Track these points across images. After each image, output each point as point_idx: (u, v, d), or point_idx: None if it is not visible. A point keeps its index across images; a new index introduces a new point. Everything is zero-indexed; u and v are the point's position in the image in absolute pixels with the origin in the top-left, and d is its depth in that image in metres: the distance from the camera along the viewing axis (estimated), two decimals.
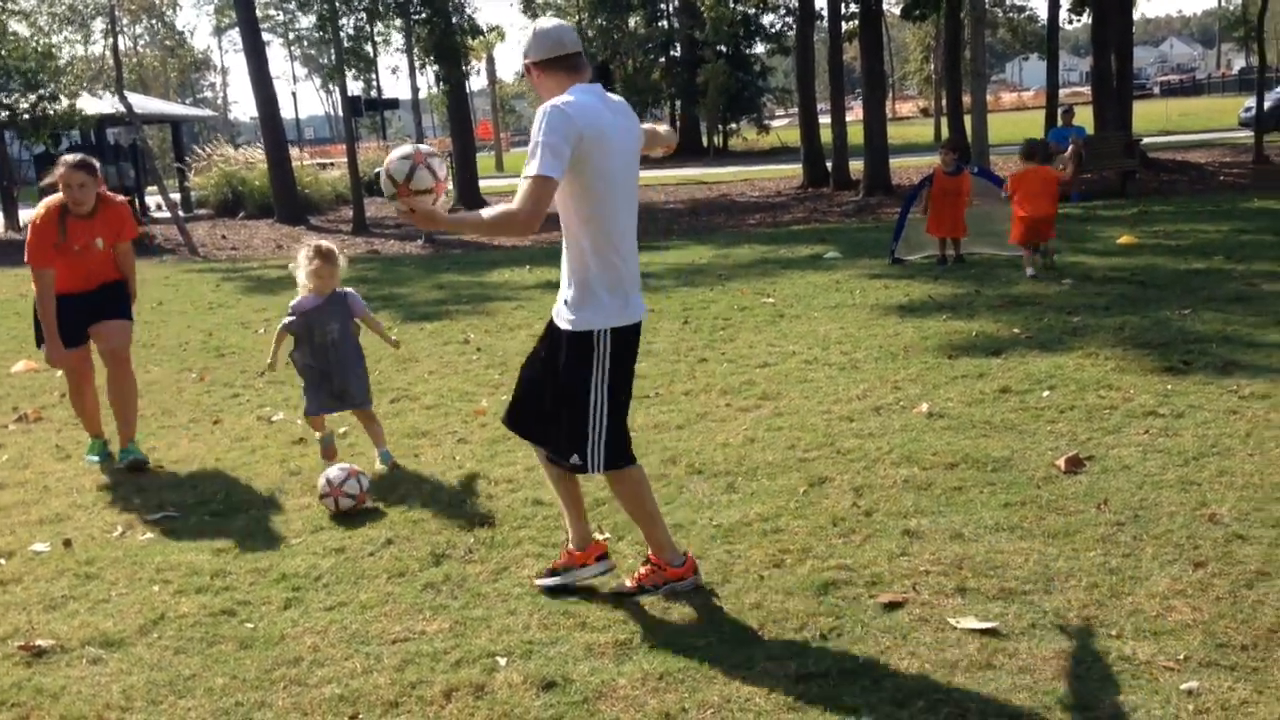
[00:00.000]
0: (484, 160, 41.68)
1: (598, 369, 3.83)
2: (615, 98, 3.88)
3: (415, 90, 19.17)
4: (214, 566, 4.59)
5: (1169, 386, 6.15)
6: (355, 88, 29.15)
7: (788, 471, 5.29)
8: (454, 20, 22.44)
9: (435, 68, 21.95)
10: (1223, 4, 76.48)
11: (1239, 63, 70.52)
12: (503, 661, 3.61)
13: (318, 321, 5.78)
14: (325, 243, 5.90)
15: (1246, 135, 25.28)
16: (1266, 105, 29.90)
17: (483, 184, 26.16)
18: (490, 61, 41.64)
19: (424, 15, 20.55)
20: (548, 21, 3.85)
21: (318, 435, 6.02)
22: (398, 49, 21.35)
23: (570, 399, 3.87)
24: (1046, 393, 6.23)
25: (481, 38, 23.15)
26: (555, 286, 11.63)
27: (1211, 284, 8.96)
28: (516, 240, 18.18)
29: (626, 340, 3.88)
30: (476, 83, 54.01)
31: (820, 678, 3.37)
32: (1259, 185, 17.62)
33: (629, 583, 4.12)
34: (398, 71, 77.74)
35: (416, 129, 19.50)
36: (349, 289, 6.01)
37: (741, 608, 3.90)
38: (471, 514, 5.03)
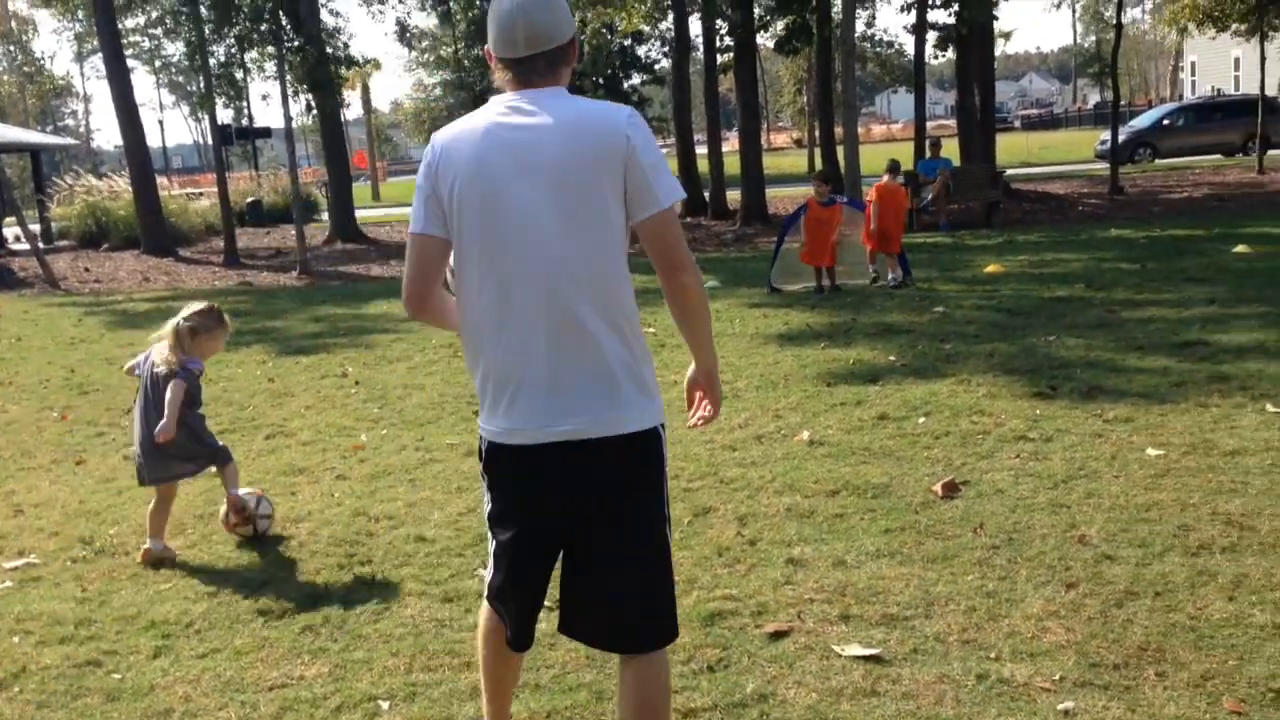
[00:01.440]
0: (360, 190, 41.17)
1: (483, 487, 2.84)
2: (557, 111, 2.59)
3: (288, 119, 18.81)
4: (78, 615, 4.39)
5: (1037, 411, 6.34)
6: (225, 116, 28.57)
7: (674, 502, 5.26)
8: (328, 49, 22.15)
9: (308, 96, 21.58)
10: (1078, 42, 79.92)
11: (1094, 97, 73.75)
12: (385, 705, 3.52)
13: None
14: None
15: (1103, 167, 26.38)
16: (1120, 139, 31.33)
17: (359, 214, 25.80)
18: (366, 91, 41.19)
19: (297, 44, 20.21)
20: (499, 3, 2.63)
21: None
22: (270, 76, 20.91)
23: None
24: (922, 419, 6.37)
25: (357, 68, 22.85)
26: None
27: (1074, 311, 9.29)
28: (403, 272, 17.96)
29: (500, 459, 2.70)
30: (353, 112, 53.38)
31: (709, 710, 3.36)
32: (1115, 215, 18.38)
33: None
34: (269, 99, 76.42)
35: (289, 158, 19.12)
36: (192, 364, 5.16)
37: None
38: (351, 553, 4.91)
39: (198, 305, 5.23)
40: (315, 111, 22.50)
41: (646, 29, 24.88)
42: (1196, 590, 3.93)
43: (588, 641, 2.87)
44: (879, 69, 48.96)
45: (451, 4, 41.66)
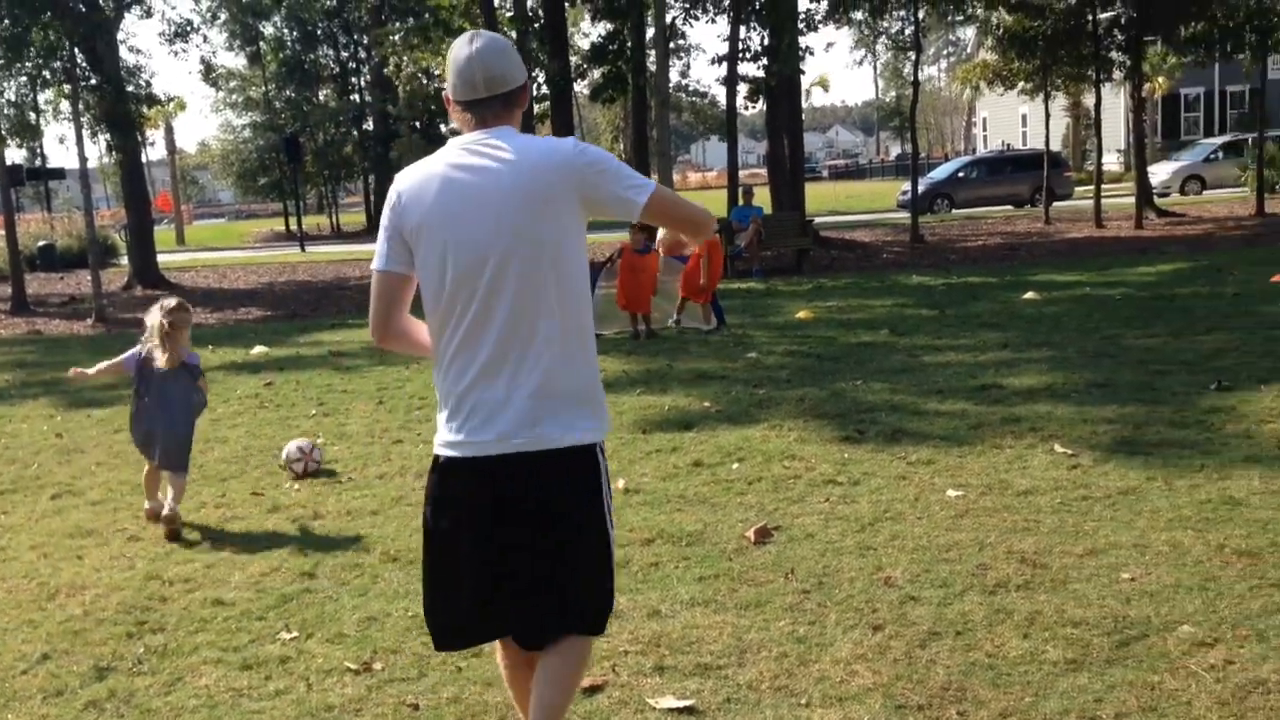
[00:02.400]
0: (164, 234, 39.63)
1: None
2: (506, 151, 2.79)
3: (83, 160, 17.95)
4: None
5: (846, 455, 6.50)
6: (17, 155, 27.12)
7: None
8: (128, 87, 21.27)
9: (106, 137, 20.65)
10: (879, 97, 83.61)
11: (896, 149, 77.20)
12: None
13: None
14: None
15: (904, 216, 27.55)
16: (920, 189, 32.84)
17: (162, 258, 24.78)
18: (170, 131, 39.74)
19: (94, 82, 19.35)
20: (460, 48, 2.85)
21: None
22: (65, 116, 19.93)
23: None
24: (736, 465, 6.45)
25: (159, 107, 22.01)
26: (238, 367, 11.02)
27: (879, 356, 9.61)
28: (240, 317, 17.35)
29: (449, 475, 2.90)
30: (157, 152, 51.41)
31: None
32: (917, 263, 19.18)
33: None
34: (65, 141, 72.68)
35: (85, 200, 18.22)
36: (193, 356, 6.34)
37: (439, 702, 3.76)
38: (142, 620, 4.63)
39: (170, 302, 6.09)
40: (114, 152, 21.52)
41: None
42: (994, 629, 4.06)
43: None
44: (694, 118, 50.20)
45: (261, 45, 40.79)
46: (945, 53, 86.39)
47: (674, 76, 29.94)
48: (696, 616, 4.35)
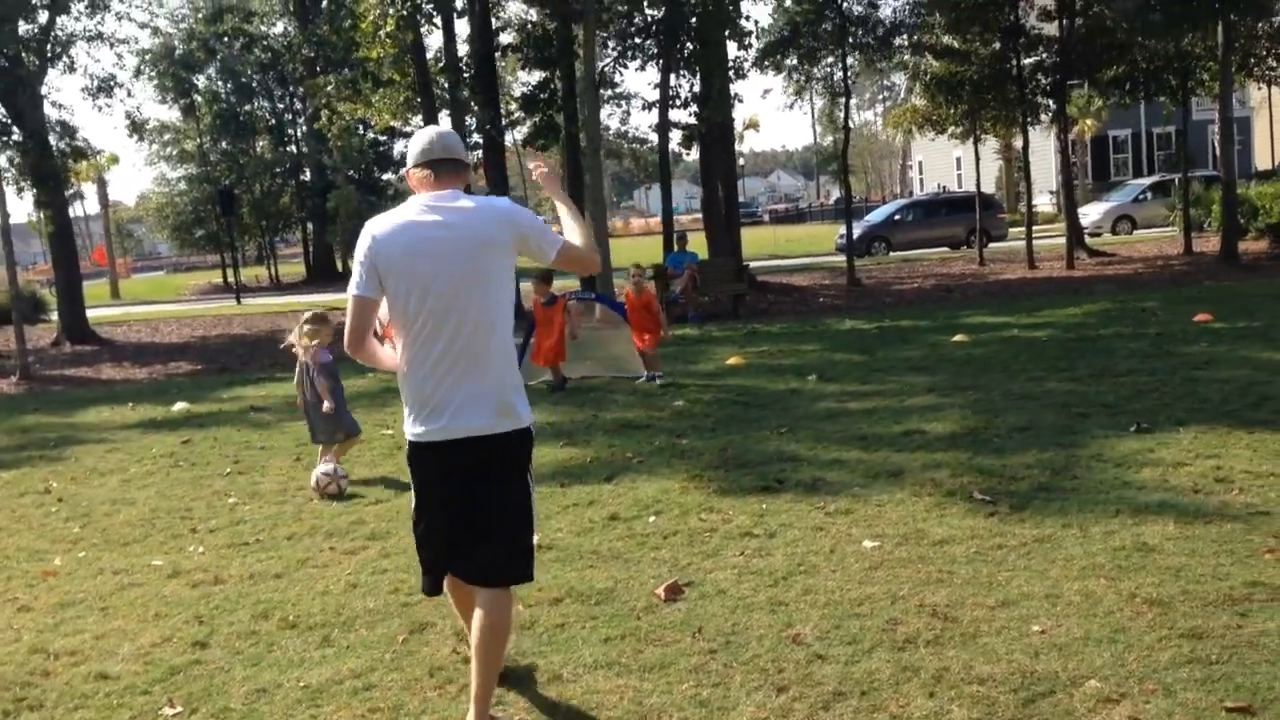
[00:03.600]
0: (99, 288, 38.97)
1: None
2: (456, 208, 3.75)
3: (5, 215, 17.55)
4: None
5: (764, 506, 6.40)
6: None
7: (388, 619, 5.02)
8: (55, 143, 20.94)
9: (33, 192, 20.28)
10: (818, 141, 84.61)
11: (836, 193, 78.03)
12: None
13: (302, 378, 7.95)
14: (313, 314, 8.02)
15: (843, 259, 27.72)
16: (857, 232, 33.14)
17: (93, 313, 24.32)
18: (103, 184, 39.19)
19: (16, 138, 19.01)
20: (427, 130, 3.93)
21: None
22: None
23: None
24: (653, 518, 6.33)
25: (86, 161, 21.67)
26: (156, 425, 10.75)
27: (805, 403, 9.55)
28: (170, 371, 17.04)
29: (423, 455, 3.84)
30: (91, 205, 50.77)
31: None
32: (853, 306, 19.27)
33: None
34: None
35: (6, 253, 17.82)
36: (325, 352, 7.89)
37: None
38: (20, 696, 4.42)
39: (307, 315, 8.00)
40: (39, 207, 21.13)
41: (398, 125, 24.63)
42: (900, 688, 3.96)
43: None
44: (634, 164, 50.37)
45: (196, 97, 40.47)
46: (881, 97, 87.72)
47: (613, 124, 30.04)
48: (599, 680, 4.22)
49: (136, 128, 23.72)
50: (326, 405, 7.80)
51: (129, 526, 7.08)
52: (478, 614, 3.78)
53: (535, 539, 4.07)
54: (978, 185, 27.58)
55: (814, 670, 4.16)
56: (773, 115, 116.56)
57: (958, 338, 12.88)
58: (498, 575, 3.83)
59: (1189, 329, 12.28)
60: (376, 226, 3.74)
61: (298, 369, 8.07)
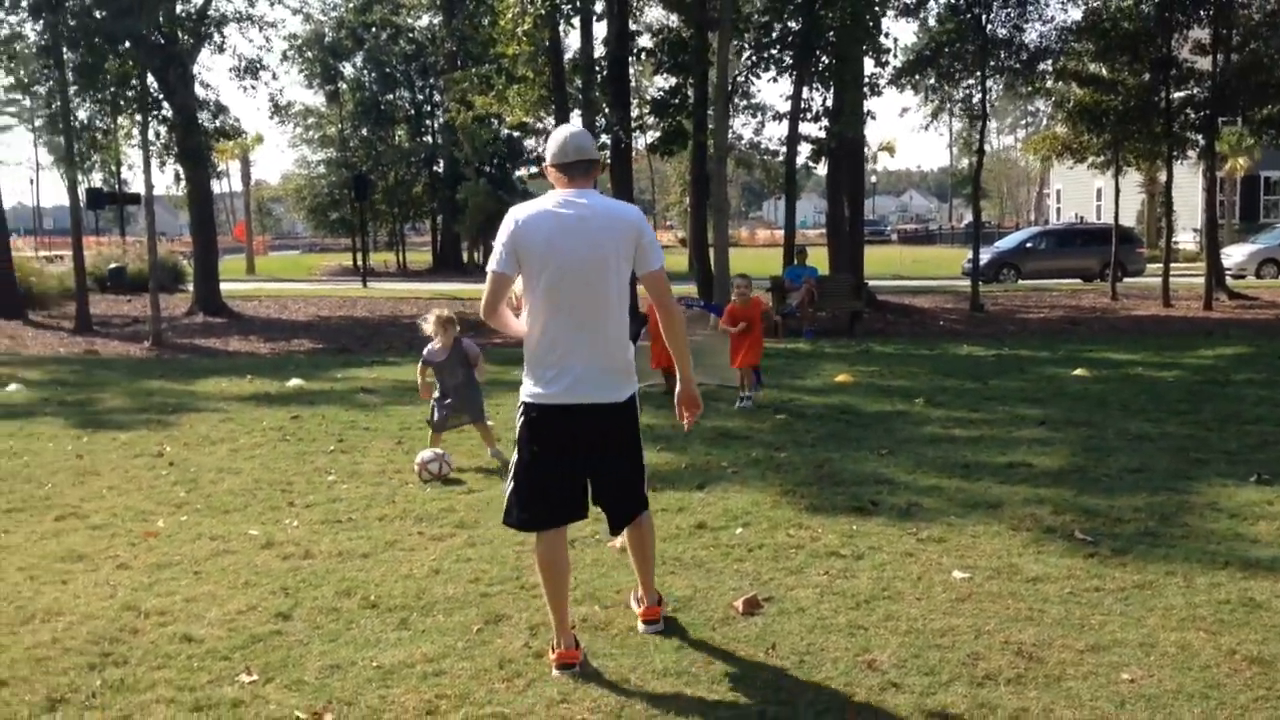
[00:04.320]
0: (234, 263, 40.33)
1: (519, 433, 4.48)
2: (591, 206, 4.30)
3: (149, 187, 18.28)
4: None
5: (855, 527, 6.27)
6: (96, 179, 27.76)
7: (466, 607, 5.05)
8: (205, 122, 21.71)
9: (177, 167, 21.06)
10: (953, 164, 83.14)
11: (968, 216, 76.62)
12: None
13: (445, 367, 8.27)
14: (445, 312, 8.40)
15: (969, 284, 27.16)
16: (986, 258, 32.42)
17: (227, 287, 25.16)
18: (246, 163, 40.55)
19: (165, 114, 19.77)
20: (561, 130, 4.46)
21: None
22: (136, 144, 20.38)
23: None
24: (740, 530, 6.26)
25: (232, 140, 22.43)
26: (269, 399, 11.04)
27: (910, 426, 9.35)
28: (292, 348, 17.58)
29: (541, 416, 4.36)
30: (236, 182, 52.60)
31: None
32: (973, 332, 18.84)
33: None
34: (134, 167, 74.46)
35: (149, 225, 18.57)
36: (465, 339, 8.41)
37: None
38: (108, 651, 4.56)
39: (441, 313, 8.40)
40: (183, 182, 21.94)
41: (530, 121, 24.93)
42: None
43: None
44: (764, 176, 50.14)
45: (341, 84, 41.60)
46: (1024, 122, 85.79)
47: (746, 134, 30.07)
48: (666, 688, 4.17)
49: (278, 110, 24.46)
50: (480, 370, 8.38)
51: (231, 495, 7.27)
52: (630, 534, 4.70)
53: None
54: (1115, 217, 26.74)
55: (886, 698, 4.05)
56: (909, 135, 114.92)
57: (1078, 371, 12.48)
58: (628, 519, 4.64)
59: None
60: (520, 212, 4.30)
61: (425, 360, 8.41)
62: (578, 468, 4.42)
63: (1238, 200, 42.43)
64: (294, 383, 12.53)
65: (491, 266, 4.32)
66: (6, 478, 7.86)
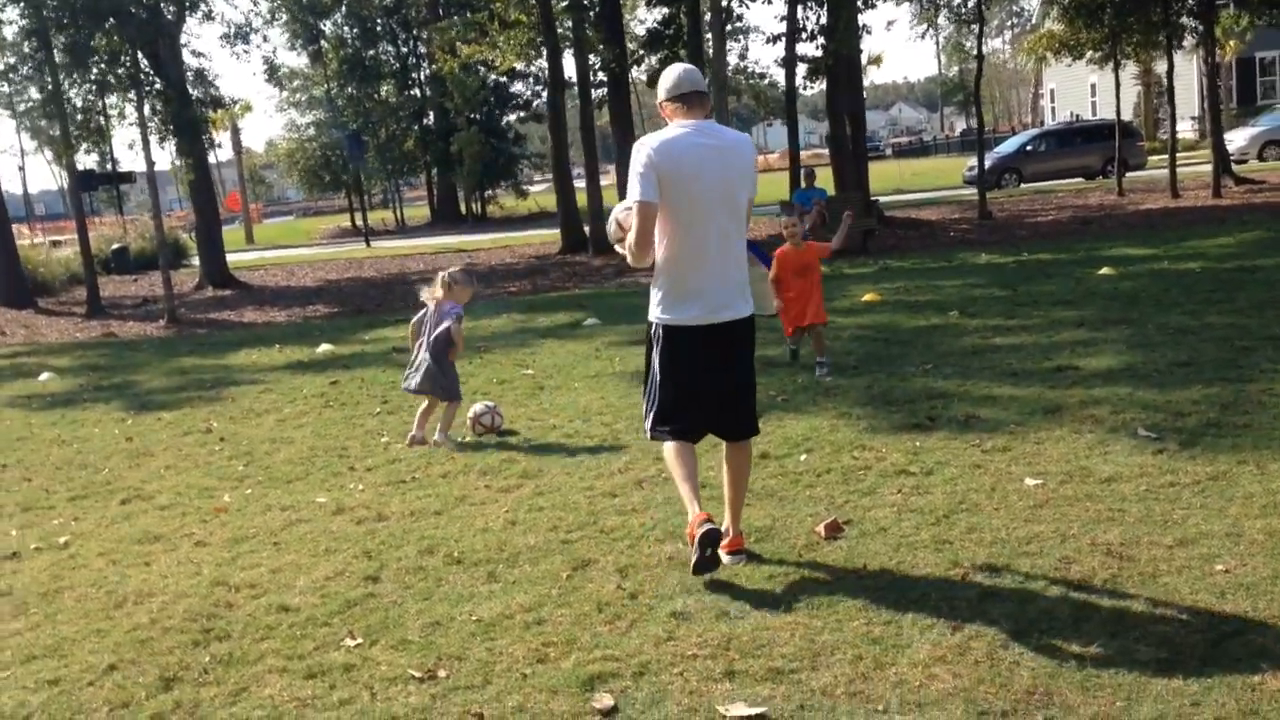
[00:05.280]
0: (233, 233, 40.14)
1: (652, 352, 4.75)
2: (717, 134, 4.54)
3: (151, 164, 18.18)
4: None
5: (917, 444, 6.30)
6: (89, 161, 27.55)
7: (550, 555, 5.10)
8: (193, 93, 21.48)
9: (174, 141, 20.90)
10: (942, 72, 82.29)
11: (961, 125, 75.92)
12: None
13: (422, 326, 7.66)
14: (448, 274, 7.76)
15: (971, 192, 27.03)
16: (987, 165, 32.17)
17: (232, 258, 25.10)
18: (236, 132, 40.19)
19: (159, 88, 19.56)
20: (674, 67, 4.66)
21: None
22: (132, 122, 20.19)
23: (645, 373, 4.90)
24: (804, 456, 6.29)
25: (224, 110, 22.24)
26: (304, 366, 11.03)
27: (949, 339, 9.36)
28: (308, 314, 17.57)
29: (677, 335, 4.61)
30: (225, 152, 52.12)
31: None
32: (985, 240, 18.79)
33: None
34: (134, 146, 73.80)
35: (154, 203, 18.48)
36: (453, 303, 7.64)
37: (504, 711, 3.67)
38: (208, 627, 4.60)
39: (457, 266, 7.94)
40: (180, 155, 21.78)
41: (520, 66, 24.68)
42: (1080, 627, 3.88)
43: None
44: (754, 101, 49.66)
45: (323, 43, 41.11)
46: (1009, 24, 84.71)
47: (732, 60, 29.55)
48: (766, 618, 4.22)
49: (274, 72, 24.18)
50: (457, 348, 7.53)
51: (290, 464, 7.31)
52: (731, 457, 4.82)
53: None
54: (1117, 112, 26.52)
55: (988, 608, 4.09)
56: (894, 47, 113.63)
57: (1103, 270, 12.46)
58: (745, 434, 4.83)
59: None
60: (653, 140, 4.48)
61: (418, 315, 7.74)
62: (716, 382, 4.66)
63: (1234, 84, 42.00)
64: (324, 348, 12.54)
65: (637, 196, 4.44)
66: (63, 466, 7.90)
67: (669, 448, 4.76)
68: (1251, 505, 4.84)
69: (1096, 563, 4.41)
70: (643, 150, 4.47)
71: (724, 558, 4.70)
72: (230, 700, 3.92)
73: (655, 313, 4.68)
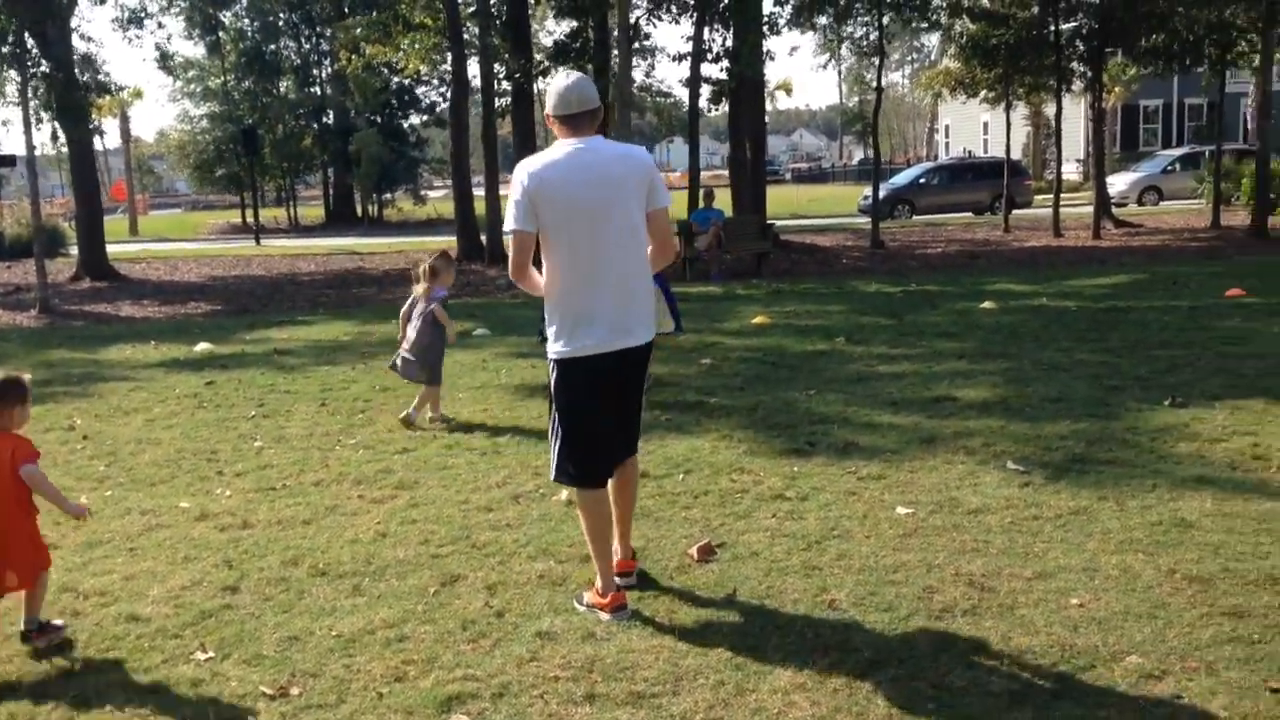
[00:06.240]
0: (117, 223, 38.91)
1: (552, 391, 4.55)
2: (601, 150, 4.32)
3: (30, 148, 17.50)
4: None
5: (795, 469, 6.35)
6: None
7: (419, 570, 5.00)
8: (81, 76, 20.77)
9: (55, 124, 20.17)
10: (843, 102, 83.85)
11: (859, 154, 77.34)
12: None
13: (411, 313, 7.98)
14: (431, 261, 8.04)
15: (865, 221, 27.53)
16: (881, 195, 32.80)
17: (114, 249, 24.29)
18: (125, 119, 39.00)
19: (44, 69, 18.88)
20: (561, 80, 4.40)
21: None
22: (12, 102, 19.46)
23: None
24: (683, 477, 6.29)
25: (112, 96, 21.54)
26: (179, 364, 10.70)
27: (834, 365, 9.47)
28: (189, 311, 17.06)
29: (574, 369, 4.38)
30: (112, 140, 50.54)
31: None
32: (876, 269, 19.12)
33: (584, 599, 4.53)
34: (9, 125, 70.98)
35: (32, 187, 17.80)
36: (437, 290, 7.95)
37: None
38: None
39: (435, 255, 8.18)
40: (63, 140, 21.03)
41: (425, 69, 24.40)
42: (938, 657, 3.92)
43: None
44: (656, 119, 49.86)
45: (221, 34, 40.20)
46: (910, 59, 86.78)
47: (638, 77, 29.70)
48: (633, 640, 4.18)
49: (166, 60, 23.49)
50: (450, 334, 8.00)
51: (155, 467, 7.06)
52: (617, 475, 4.62)
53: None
54: (1007, 151, 27.27)
55: (851, 636, 4.12)
56: (798, 74, 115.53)
57: (986, 304, 12.76)
58: (630, 450, 4.67)
59: (1221, 303, 12.13)
60: (531, 165, 4.31)
61: (408, 303, 8.09)
62: (615, 414, 4.49)
63: (1119, 130, 43.56)
64: (202, 347, 12.19)
65: (512, 226, 4.28)
66: None
67: (580, 496, 4.57)
68: (1109, 541, 4.97)
69: (959, 593, 4.47)
70: (518, 175, 4.30)
71: (615, 580, 4.57)
72: (68, 715, 3.75)
73: (552, 348, 4.43)
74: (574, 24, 23.27)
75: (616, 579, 4.54)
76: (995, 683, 3.72)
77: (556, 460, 4.52)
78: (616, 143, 4.51)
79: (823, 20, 22.87)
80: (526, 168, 4.29)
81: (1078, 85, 25.17)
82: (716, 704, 3.67)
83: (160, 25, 51.44)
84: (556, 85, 4.37)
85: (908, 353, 9.95)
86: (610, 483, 4.59)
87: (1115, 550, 4.86)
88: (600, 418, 4.44)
